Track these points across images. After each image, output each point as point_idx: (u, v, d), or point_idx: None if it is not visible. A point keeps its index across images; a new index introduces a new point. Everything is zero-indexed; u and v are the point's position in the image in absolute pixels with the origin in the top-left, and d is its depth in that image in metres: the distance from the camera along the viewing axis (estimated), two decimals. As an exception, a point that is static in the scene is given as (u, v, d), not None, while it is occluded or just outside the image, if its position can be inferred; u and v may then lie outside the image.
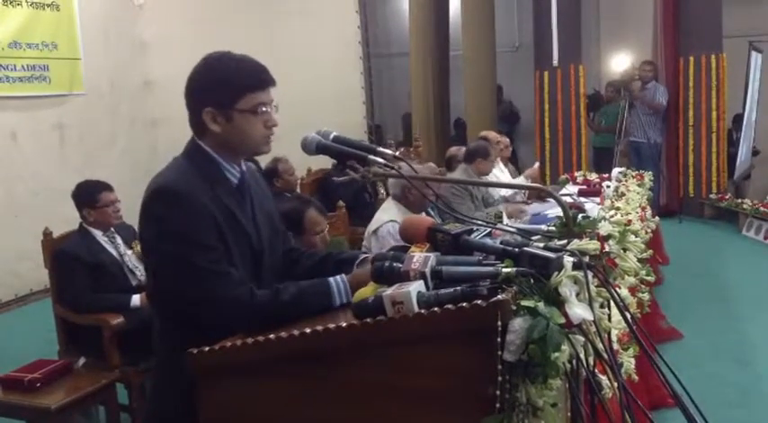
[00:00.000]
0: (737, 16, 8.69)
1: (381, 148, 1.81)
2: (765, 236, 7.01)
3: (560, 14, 8.07)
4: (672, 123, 8.34)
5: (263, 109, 1.74)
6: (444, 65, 9.12)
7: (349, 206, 4.60)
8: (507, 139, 6.78)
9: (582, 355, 1.48)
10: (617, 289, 3.19)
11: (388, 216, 3.22)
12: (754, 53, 8.48)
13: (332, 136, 1.81)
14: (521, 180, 6.13)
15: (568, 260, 1.43)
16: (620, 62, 9.25)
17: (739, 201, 7.73)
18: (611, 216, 3.39)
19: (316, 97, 8.00)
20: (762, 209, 7.21)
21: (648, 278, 3.77)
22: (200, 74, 1.76)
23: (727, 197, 7.96)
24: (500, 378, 1.27)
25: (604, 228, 1.74)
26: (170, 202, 1.65)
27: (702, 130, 8.09)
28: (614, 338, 2.55)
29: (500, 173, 6.17)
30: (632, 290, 3.34)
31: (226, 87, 1.72)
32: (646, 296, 3.51)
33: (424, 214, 3.23)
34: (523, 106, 9.99)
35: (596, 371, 1.71)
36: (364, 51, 9.92)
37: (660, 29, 8.37)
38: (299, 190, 5.36)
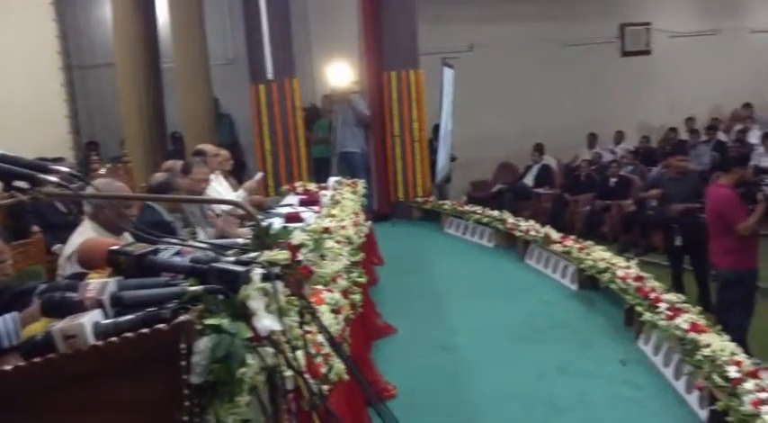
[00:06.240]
0: (431, 35, 9.64)
1: (56, 166, 1.65)
2: (463, 232, 7.85)
3: (271, 29, 8.23)
4: (379, 134, 8.97)
5: None
6: (156, 77, 8.76)
7: (47, 230, 4.17)
8: (227, 152, 6.68)
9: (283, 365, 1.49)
10: (330, 293, 3.30)
11: (83, 238, 2.96)
12: (446, 69, 9.45)
13: (-8, 155, 1.60)
14: (240, 192, 6.10)
15: (257, 272, 1.42)
16: (332, 77, 9.69)
17: (441, 202, 8.57)
18: (308, 227, 3.49)
19: (6, 113, 7.17)
20: (459, 208, 8.07)
21: (360, 280, 3.98)
22: None
23: (430, 199, 8.76)
24: (187, 402, 1.23)
25: (297, 237, 1.77)
26: None
27: (407, 140, 8.83)
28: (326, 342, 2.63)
29: (219, 186, 6.06)
30: (345, 292, 3.49)
31: None
32: (358, 297, 3.69)
33: (128, 236, 3.03)
34: (243, 119, 9.97)
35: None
36: (65, 62, 9.14)
37: (364, 46, 8.97)
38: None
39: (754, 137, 11.18)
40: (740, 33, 12.46)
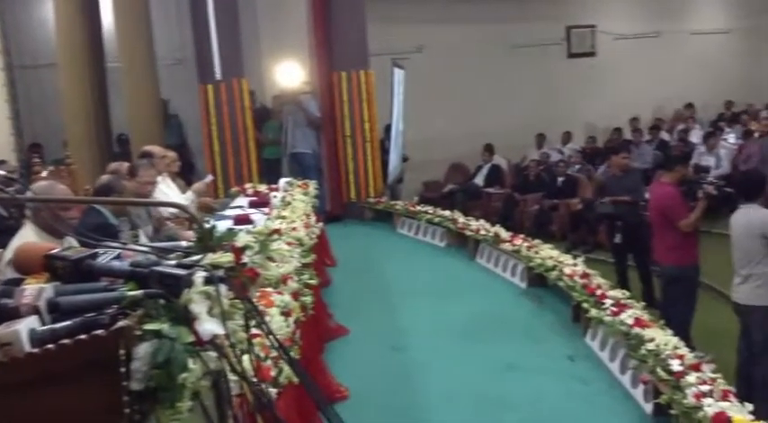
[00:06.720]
0: (381, 36, 9.65)
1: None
2: (415, 232, 7.88)
3: (219, 29, 8.09)
4: (331, 134, 8.94)
5: None
6: (101, 78, 8.56)
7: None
8: (174, 154, 6.57)
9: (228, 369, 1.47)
10: (280, 296, 3.28)
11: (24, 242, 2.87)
12: (396, 69, 9.48)
13: None
14: (189, 194, 6.01)
15: (200, 276, 1.40)
16: (282, 77, 9.62)
17: (393, 203, 8.59)
18: (254, 228, 3.45)
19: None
20: (411, 209, 8.10)
21: (312, 281, 3.96)
22: None
23: (383, 200, 8.78)
24: (127, 409, 1.20)
25: (241, 239, 1.75)
26: None
27: (358, 140, 8.82)
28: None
29: (167, 188, 5.96)
30: (295, 294, 3.47)
31: None
32: (309, 299, 3.67)
33: (72, 239, 2.95)
34: (192, 120, 9.82)
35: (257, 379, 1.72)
36: (6, 61, 8.90)
37: (314, 47, 8.93)
38: None
39: (695, 136, 11.54)
40: (681, 35, 12.86)
